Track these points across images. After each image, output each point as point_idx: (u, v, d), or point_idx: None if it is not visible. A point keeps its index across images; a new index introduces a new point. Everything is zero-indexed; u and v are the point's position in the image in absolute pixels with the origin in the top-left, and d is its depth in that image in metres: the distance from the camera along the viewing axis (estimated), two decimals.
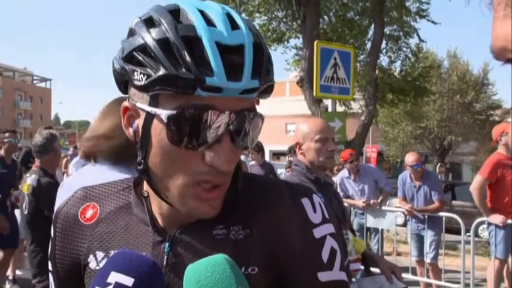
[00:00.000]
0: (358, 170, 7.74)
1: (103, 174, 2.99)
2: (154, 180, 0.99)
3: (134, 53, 0.92)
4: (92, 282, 0.93)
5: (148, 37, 0.91)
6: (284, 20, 14.03)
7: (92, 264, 1.06)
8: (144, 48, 0.91)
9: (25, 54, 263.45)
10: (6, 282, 7.60)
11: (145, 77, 0.90)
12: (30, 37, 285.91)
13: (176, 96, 0.89)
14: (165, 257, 1.01)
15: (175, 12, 0.93)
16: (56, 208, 1.22)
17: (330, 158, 3.14)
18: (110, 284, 0.88)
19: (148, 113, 0.93)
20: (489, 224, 6.25)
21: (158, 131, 0.93)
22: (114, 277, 0.88)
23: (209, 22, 0.90)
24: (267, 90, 0.96)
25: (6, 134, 6.84)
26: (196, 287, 0.83)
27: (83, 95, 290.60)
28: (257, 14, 14.13)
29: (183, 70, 0.87)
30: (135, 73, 0.91)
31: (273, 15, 14.16)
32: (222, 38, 0.89)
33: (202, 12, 0.92)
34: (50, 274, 1.17)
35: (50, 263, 1.16)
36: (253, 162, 9.15)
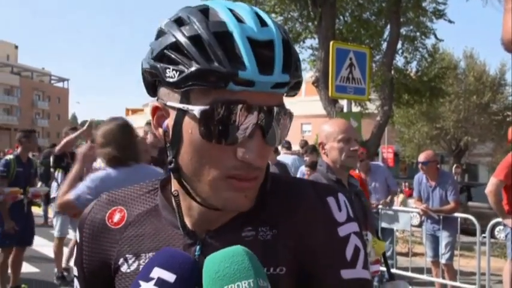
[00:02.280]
0: (369, 168, 7.75)
1: (111, 177, 3.47)
2: (185, 178, 1.00)
3: (165, 51, 0.93)
4: (132, 281, 0.96)
5: (180, 35, 0.92)
6: (300, 20, 14.03)
7: (124, 268, 1.07)
8: (175, 46, 0.92)
9: (43, 54, 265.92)
10: (55, 278, 7.78)
11: (178, 73, 0.91)
12: (49, 37, 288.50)
13: (207, 92, 0.90)
14: (197, 260, 1.00)
15: (204, 11, 0.94)
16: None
17: (351, 157, 3.17)
18: (152, 278, 0.91)
19: (179, 111, 0.95)
20: (505, 225, 6.22)
21: (190, 128, 0.94)
22: (157, 272, 0.90)
23: (239, 19, 0.92)
24: (295, 86, 0.97)
25: (25, 133, 6.97)
26: (215, 277, 0.85)
27: (100, 95, 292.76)
28: (273, 15, 14.13)
29: (216, 64, 0.88)
30: (167, 70, 0.92)
31: (289, 16, 14.17)
32: (253, 33, 0.90)
33: (231, 10, 0.94)
34: (75, 279, 1.18)
35: (75, 269, 1.17)
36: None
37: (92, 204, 1.18)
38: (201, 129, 0.92)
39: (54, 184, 8.04)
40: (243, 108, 0.90)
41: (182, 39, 0.92)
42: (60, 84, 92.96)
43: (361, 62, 7.90)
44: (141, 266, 1.04)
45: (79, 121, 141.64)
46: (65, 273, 7.68)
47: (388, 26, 13.86)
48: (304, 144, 10.92)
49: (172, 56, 0.92)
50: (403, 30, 14.28)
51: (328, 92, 8.53)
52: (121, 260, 1.08)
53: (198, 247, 1.03)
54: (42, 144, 21.27)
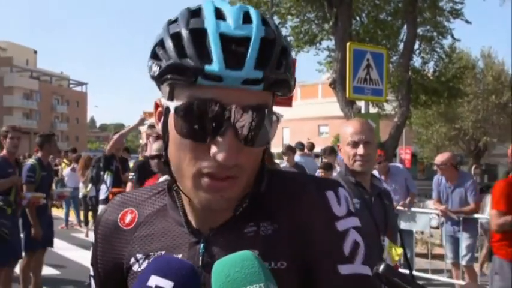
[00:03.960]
0: (388, 170, 7.68)
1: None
2: (173, 172, 1.03)
3: (155, 48, 0.98)
4: (134, 284, 0.97)
5: (166, 33, 0.97)
6: (316, 21, 14.00)
7: (135, 267, 1.10)
8: (162, 43, 0.97)
9: (62, 58, 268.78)
10: None
11: (158, 67, 0.95)
12: (67, 41, 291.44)
13: (185, 90, 0.94)
14: (201, 258, 1.04)
15: (196, 11, 0.98)
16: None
17: (358, 162, 3.04)
18: (150, 287, 0.90)
19: (166, 107, 0.99)
20: None
21: (171, 124, 0.97)
22: (154, 280, 0.90)
23: (220, 16, 0.95)
24: (278, 85, 0.96)
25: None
26: (225, 281, 0.85)
27: (118, 98, 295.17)
28: (289, 17, 14.14)
29: (187, 60, 0.91)
30: (152, 66, 0.98)
31: (305, 17, 14.15)
32: (227, 30, 0.92)
33: (218, 9, 0.96)
34: (91, 279, 1.21)
35: (91, 268, 1.21)
36: (284, 164, 9.17)
37: (106, 206, 1.23)
38: (176, 125, 0.95)
39: (103, 187, 8.24)
40: (214, 106, 0.91)
41: (166, 37, 0.96)
42: (78, 88, 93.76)
43: (378, 63, 7.87)
44: None
45: (97, 125, 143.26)
46: None
47: (405, 26, 13.78)
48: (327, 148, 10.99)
49: (158, 52, 0.97)
50: (420, 31, 14.18)
51: (346, 93, 8.51)
52: (132, 260, 1.11)
53: (202, 245, 1.05)
54: (62, 148, 21.46)
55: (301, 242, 1.03)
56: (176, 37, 0.94)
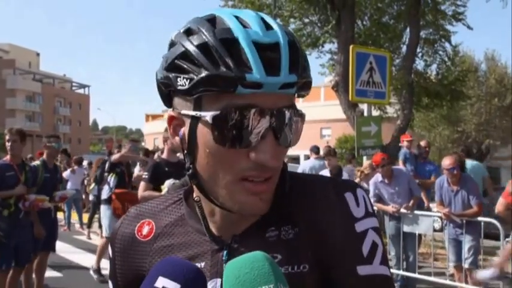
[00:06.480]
0: (391, 173, 7.68)
1: None
2: (203, 183, 1.02)
3: (176, 61, 0.97)
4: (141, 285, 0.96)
5: (189, 44, 0.96)
6: (319, 24, 14.00)
7: None
8: (185, 55, 0.95)
9: (64, 60, 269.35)
10: (92, 272, 8.18)
11: (189, 81, 0.94)
12: (69, 43, 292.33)
13: (218, 98, 0.93)
14: (224, 265, 1.02)
15: (212, 20, 0.98)
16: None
17: None
18: None
19: (193, 118, 0.97)
20: None
21: (204, 134, 0.97)
22: (162, 282, 0.90)
23: (244, 24, 0.95)
24: (304, 87, 0.99)
25: (51, 139, 6.98)
26: (235, 283, 0.84)
27: (120, 101, 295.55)
28: (292, 19, 14.14)
29: (224, 69, 0.91)
30: (179, 79, 0.96)
31: (308, 20, 14.15)
32: (258, 37, 0.93)
33: (237, 17, 0.97)
34: None
35: (110, 282, 1.20)
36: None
37: (121, 219, 1.21)
38: (214, 134, 0.95)
39: (106, 187, 8.49)
40: (255, 112, 0.93)
41: (191, 48, 0.95)
42: (81, 91, 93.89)
43: (381, 66, 7.88)
44: None
45: (100, 127, 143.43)
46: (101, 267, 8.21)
47: (408, 29, 13.78)
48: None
49: (183, 65, 0.96)
50: (422, 33, 14.18)
51: (348, 96, 8.51)
52: None
53: (225, 252, 1.05)
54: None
55: (321, 245, 1.02)
56: (205, 48, 0.94)
